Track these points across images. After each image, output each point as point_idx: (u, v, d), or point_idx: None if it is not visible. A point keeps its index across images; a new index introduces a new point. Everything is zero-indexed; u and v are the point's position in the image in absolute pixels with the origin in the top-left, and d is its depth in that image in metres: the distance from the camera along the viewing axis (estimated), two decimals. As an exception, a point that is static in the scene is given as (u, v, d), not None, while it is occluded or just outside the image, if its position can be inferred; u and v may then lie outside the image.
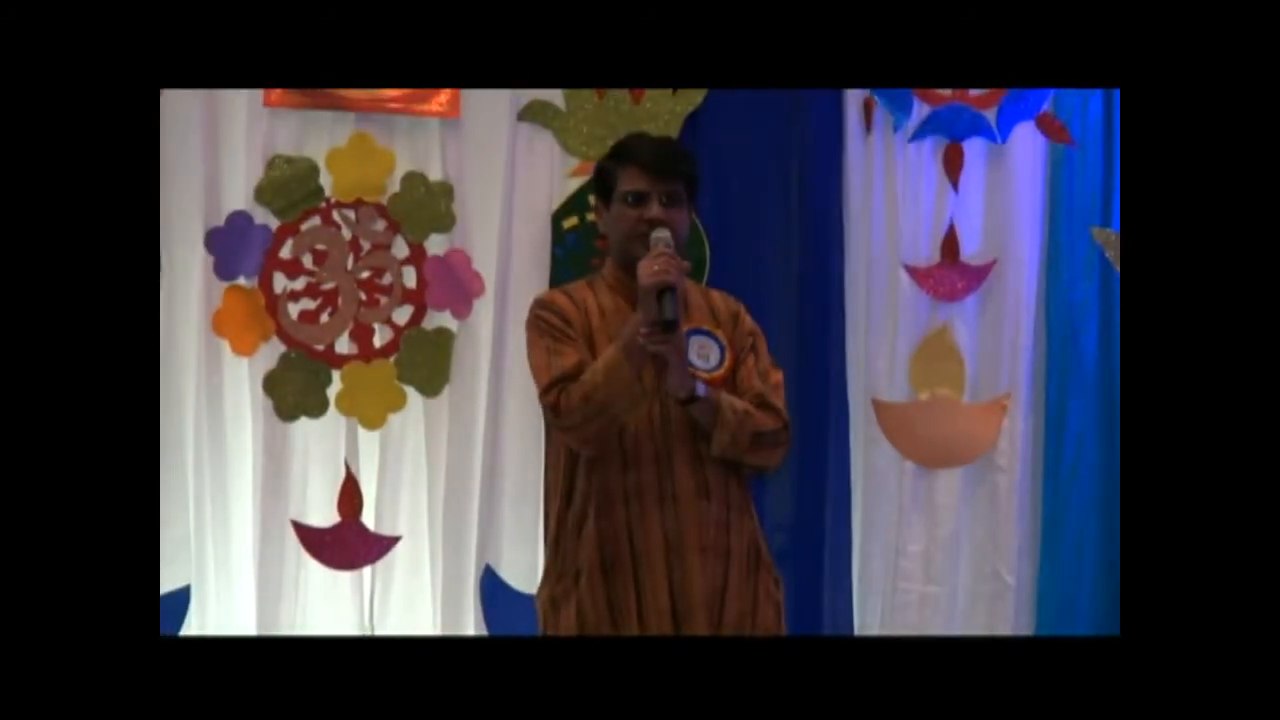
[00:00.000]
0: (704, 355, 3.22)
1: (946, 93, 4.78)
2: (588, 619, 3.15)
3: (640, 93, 4.75)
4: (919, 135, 4.80)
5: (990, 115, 4.78)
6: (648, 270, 3.04)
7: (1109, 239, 4.74)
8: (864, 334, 4.81)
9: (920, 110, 4.79)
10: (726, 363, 3.24)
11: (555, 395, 3.11)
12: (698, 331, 3.24)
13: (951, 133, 4.78)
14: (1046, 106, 4.79)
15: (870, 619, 4.77)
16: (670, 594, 3.13)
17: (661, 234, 3.13)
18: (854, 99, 4.81)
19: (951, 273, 4.76)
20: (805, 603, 4.71)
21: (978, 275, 4.78)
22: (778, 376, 3.33)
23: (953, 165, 4.78)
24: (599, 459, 3.16)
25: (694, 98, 4.75)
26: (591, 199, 3.50)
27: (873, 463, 4.81)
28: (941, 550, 4.78)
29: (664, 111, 4.75)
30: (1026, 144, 4.82)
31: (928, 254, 4.80)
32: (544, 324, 3.22)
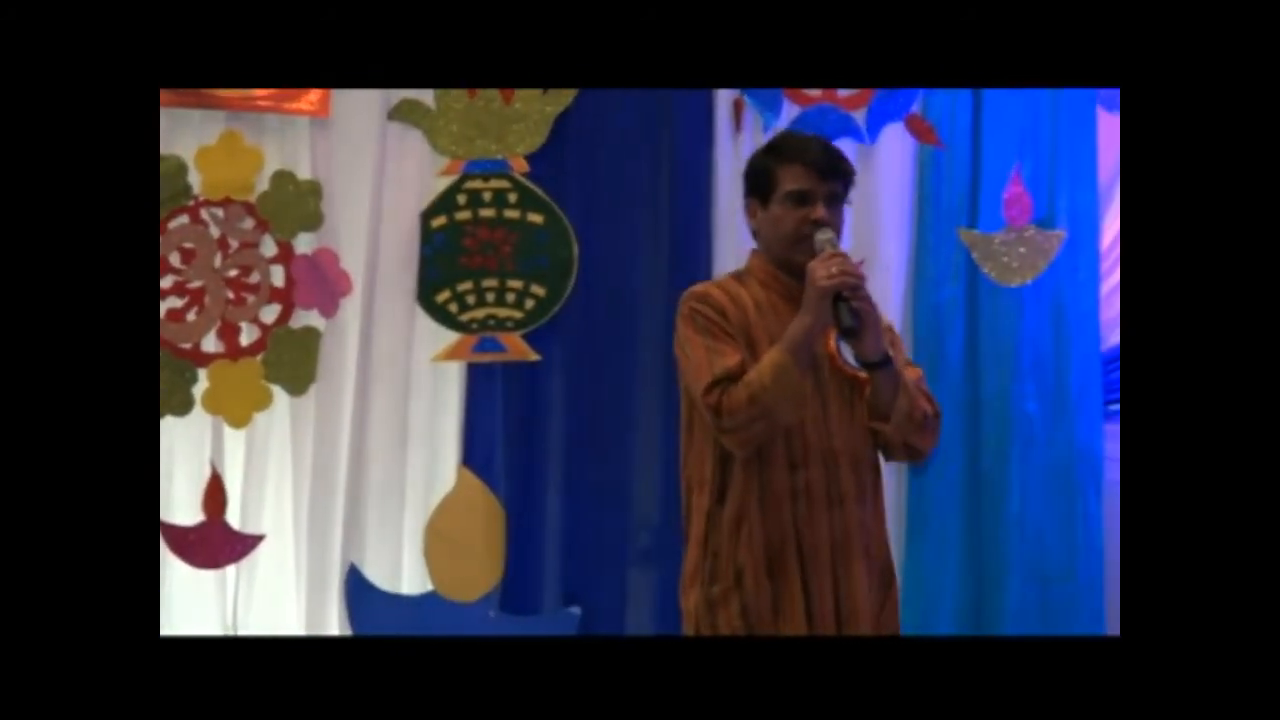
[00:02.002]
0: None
1: (816, 93, 4.78)
2: (753, 621, 3.07)
3: (510, 93, 4.76)
4: (787, 136, 4.79)
5: (859, 116, 4.79)
6: (823, 273, 2.99)
7: (975, 240, 4.75)
8: (732, 334, 4.79)
9: (789, 111, 4.79)
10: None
11: (717, 396, 3.04)
12: None
13: (820, 134, 4.74)
14: (915, 108, 4.80)
15: (736, 620, 4.73)
16: (835, 596, 3.08)
17: (826, 234, 3.09)
18: (724, 99, 4.81)
19: (819, 273, 4.74)
20: (671, 603, 4.63)
21: (846, 275, 4.77)
22: (919, 371, 3.28)
23: (821, 166, 4.77)
24: (760, 457, 3.08)
25: (564, 98, 4.76)
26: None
27: (742, 462, 4.79)
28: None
29: (534, 112, 4.76)
30: (895, 145, 4.83)
31: (795, 254, 4.78)
32: (701, 319, 3.15)
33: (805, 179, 3.15)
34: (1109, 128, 4.79)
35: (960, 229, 4.77)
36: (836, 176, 3.18)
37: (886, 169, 4.82)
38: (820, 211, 3.12)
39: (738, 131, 4.82)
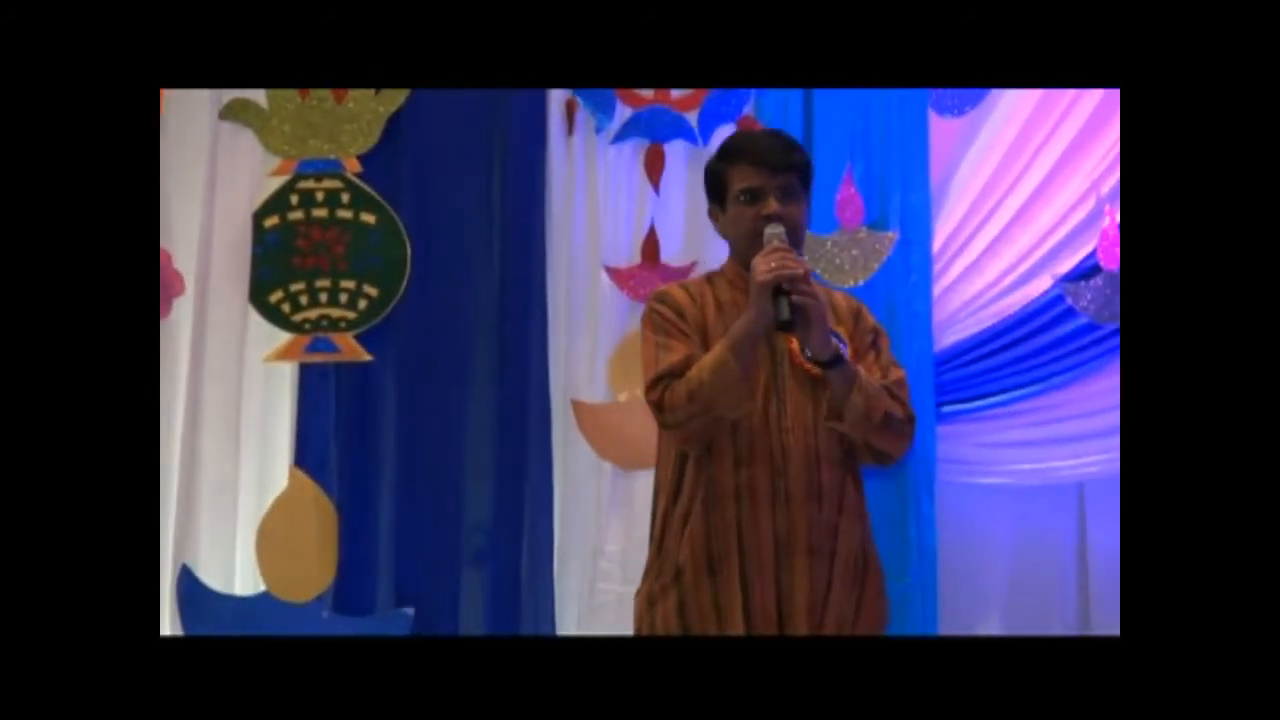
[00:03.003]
0: None
1: (648, 94, 4.78)
2: (690, 618, 3.06)
3: (343, 93, 4.75)
4: (621, 137, 4.81)
5: (692, 118, 4.78)
6: (763, 267, 2.97)
7: (808, 242, 4.73)
8: (564, 335, 4.80)
9: (622, 112, 4.80)
10: (848, 358, 3.11)
11: (659, 392, 3.03)
12: None
13: (653, 135, 4.78)
14: (748, 109, 4.79)
15: (568, 620, 4.76)
16: (777, 595, 3.05)
17: (775, 229, 3.05)
18: (556, 100, 4.82)
19: (651, 274, 4.74)
20: (504, 603, 4.73)
21: (677, 277, 4.72)
22: (900, 373, 3.21)
23: (654, 167, 4.79)
24: (710, 454, 3.06)
25: (396, 98, 4.76)
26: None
27: (572, 463, 4.80)
28: (640, 551, 4.75)
29: (367, 112, 4.76)
30: (727, 147, 4.81)
31: (628, 255, 4.80)
32: (658, 318, 3.13)
33: (754, 176, 3.11)
34: (940, 130, 4.80)
35: (791, 229, 4.77)
36: (789, 170, 3.14)
37: (719, 170, 4.81)
38: (773, 206, 3.09)
39: (570, 132, 4.83)
